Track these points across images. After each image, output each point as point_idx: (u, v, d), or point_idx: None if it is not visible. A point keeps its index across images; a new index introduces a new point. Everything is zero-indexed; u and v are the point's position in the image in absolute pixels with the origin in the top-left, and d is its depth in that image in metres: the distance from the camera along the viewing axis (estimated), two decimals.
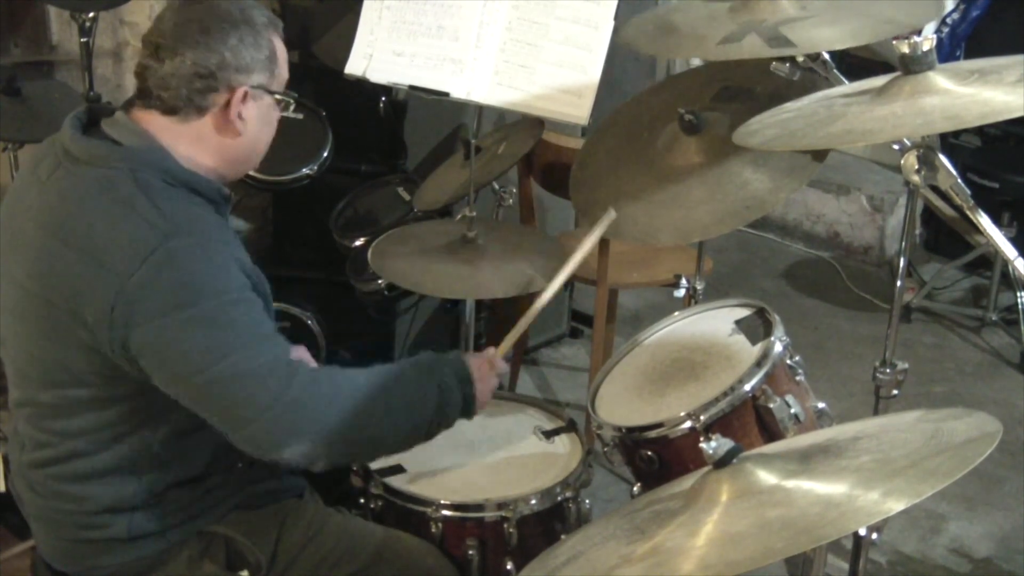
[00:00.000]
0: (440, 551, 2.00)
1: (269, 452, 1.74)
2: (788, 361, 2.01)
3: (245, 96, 1.80)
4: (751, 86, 2.29)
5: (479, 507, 2.01)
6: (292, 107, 1.90)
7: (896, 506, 1.22)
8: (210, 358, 1.69)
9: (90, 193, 1.74)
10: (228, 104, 1.80)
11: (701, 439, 1.76)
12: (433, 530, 2.00)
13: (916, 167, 1.81)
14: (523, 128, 2.92)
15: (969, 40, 4.37)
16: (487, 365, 2.00)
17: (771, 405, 1.92)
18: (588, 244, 2.15)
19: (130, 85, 3.67)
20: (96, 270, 1.69)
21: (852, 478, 1.31)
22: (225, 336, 1.70)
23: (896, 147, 1.89)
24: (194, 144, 1.81)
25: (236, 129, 1.82)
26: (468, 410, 1.94)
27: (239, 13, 1.80)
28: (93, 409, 1.79)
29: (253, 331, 1.73)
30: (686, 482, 1.47)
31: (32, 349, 1.81)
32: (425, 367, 1.92)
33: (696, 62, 3.69)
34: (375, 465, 2.11)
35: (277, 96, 1.87)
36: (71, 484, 1.85)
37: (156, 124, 1.80)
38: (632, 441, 1.98)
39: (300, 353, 2.21)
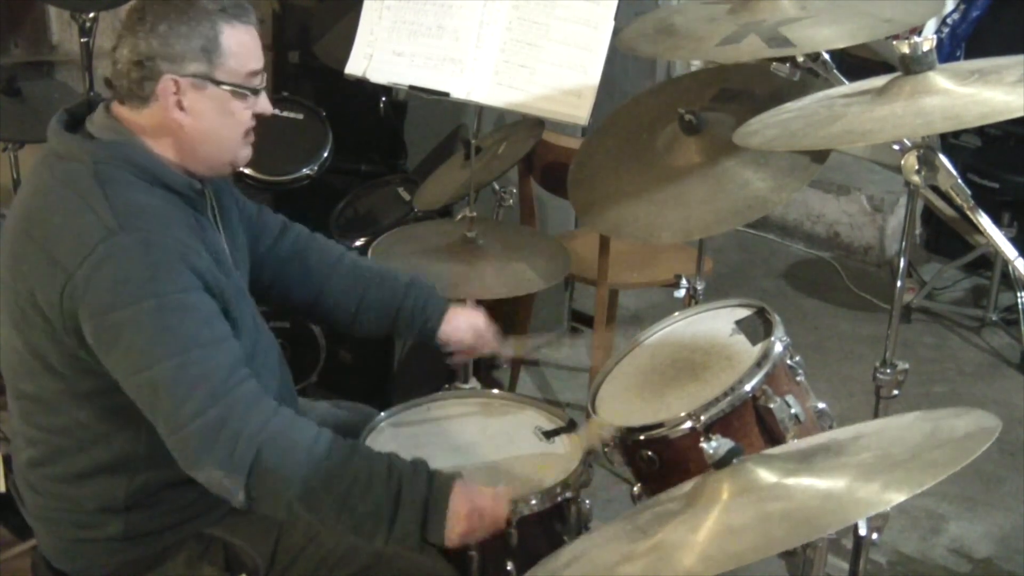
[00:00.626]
0: (440, 552, 2.00)
1: (186, 468, 1.71)
2: (788, 361, 2.01)
3: (178, 86, 1.77)
4: (751, 87, 2.29)
5: None
6: (258, 97, 1.84)
7: (897, 496, 1.22)
8: (143, 361, 1.67)
9: (55, 187, 1.76)
10: (170, 96, 1.78)
11: (701, 439, 1.76)
12: None
13: (916, 167, 1.81)
14: (523, 128, 2.93)
15: (969, 40, 4.37)
16: (476, 502, 1.78)
17: (771, 405, 1.91)
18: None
19: None
20: (48, 263, 1.71)
21: (852, 472, 1.31)
22: (159, 340, 1.67)
23: (896, 147, 1.89)
24: (153, 135, 1.80)
25: (177, 120, 1.79)
26: (425, 535, 1.75)
27: (181, 2, 1.77)
28: (71, 404, 1.79)
29: (190, 338, 1.68)
30: (687, 487, 1.47)
31: (12, 339, 1.82)
32: (398, 471, 1.75)
33: (696, 63, 3.69)
34: None
35: (226, 88, 1.80)
36: (65, 484, 1.86)
37: (121, 114, 1.81)
38: (632, 441, 1.97)
39: (472, 320, 2.21)
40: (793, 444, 1.63)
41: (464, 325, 2.20)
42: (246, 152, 1.90)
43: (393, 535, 1.75)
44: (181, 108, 1.78)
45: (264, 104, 1.87)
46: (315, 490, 1.71)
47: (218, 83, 1.80)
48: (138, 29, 1.76)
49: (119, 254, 1.68)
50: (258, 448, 1.68)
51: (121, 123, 1.80)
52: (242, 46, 1.82)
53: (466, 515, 1.77)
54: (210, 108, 1.81)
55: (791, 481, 1.34)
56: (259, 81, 1.85)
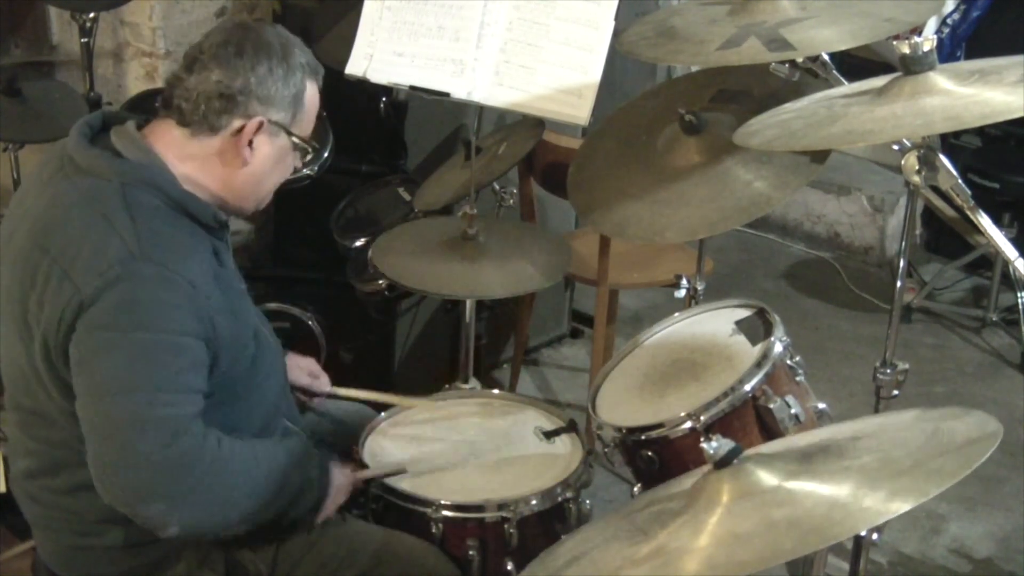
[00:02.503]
0: (440, 552, 2.00)
1: (127, 504, 1.70)
2: (788, 361, 2.01)
3: (260, 127, 1.79)
4: (749, 88, 2.29)
5: (479, 507, 2.01)
6: (309, 157, 1.90)
7: (903, 506, 1.22)
8: (116, 386, 1.67)
9: (77, 203, 1.74)
10: (241, 130, 1.79)
11: (701, 439, 1.76)
12: (433, 530, 2.00)
13: (917, 168, 1.81)
14: (523, 128, 2.93)
15: (970, 40, 4.37)
16: (347, 480, 2.00)
17: (771, 405, 1.92)
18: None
19: (131, 86, 3.67)
20: (61, 279, 1.69)
21: (856, 478, 1.31)
22: (140, 372, 1.67)
23: (896, 147, 1.89)
24: (199, 165, 1.80)
25: (243, 157, 1.81)
26: (314, 513, 1.93)
27: (279, 47, 1.80)
28: (68, 422, 1.78)
29: (169, 380, 1.68)
30: (686, 482, 1.47)
31: (14, 351, 1.81)
32: (297, 459, 1.88)
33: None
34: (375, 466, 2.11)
35: (296, 140, 1.85)
36: (63, 496, 1.85)
37: (168, 136, 1.79)
38: (632, 441, 1.98)
39: (308, 364, 2.22)
40: (792, 440, 1.63)
41: (300, 366, 2.23)
42: (269, 199, 1.94)
43: (298, 509, 1.89)
44: (250, 146, 1.80)
45: (302, 161, 1.92)
46: (253, 504, 1.79)
47: (290, 135, 1.84)
48: (233, 62, 1.76)
49: (133, 280, 1.67)
50: (208, 482, 1.71)
51: (153, 144, 1.79)
52: (314, 106, 1.88)
53: (337, 493, 1.97)
54: (271, 155, 1.83)
55: (793, 484, 1.33)
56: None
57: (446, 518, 2.00)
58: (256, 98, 1.78)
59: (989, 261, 4.26)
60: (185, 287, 1.70)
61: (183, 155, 1.79)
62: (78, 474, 1.81)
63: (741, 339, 2.09)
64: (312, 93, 1.86)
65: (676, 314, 2.26)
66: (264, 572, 1.91)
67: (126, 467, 1.68)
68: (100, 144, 1.79)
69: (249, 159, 1.81)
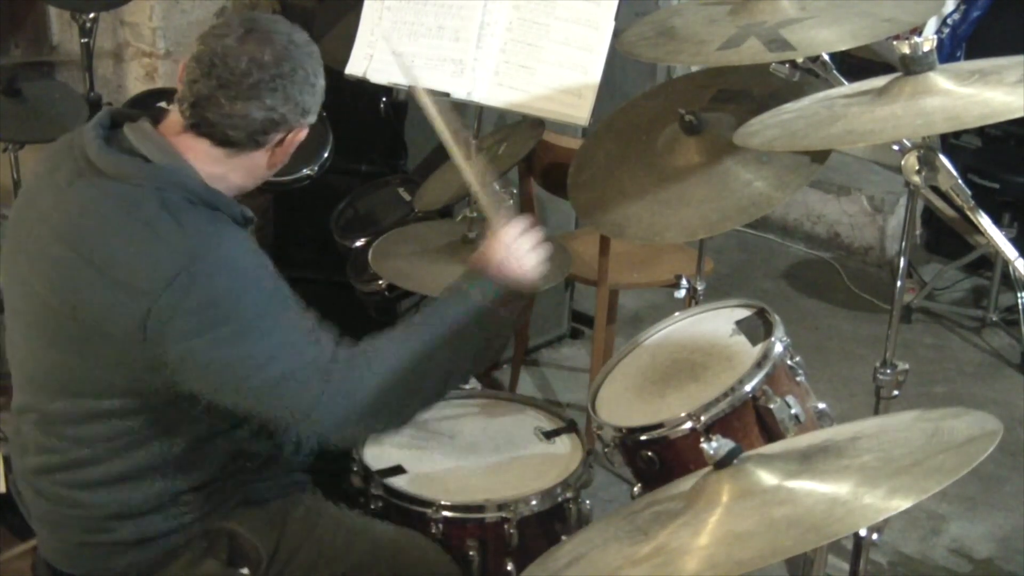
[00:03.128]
0: (439, 546, 2.00)
1: (337, 444, 1.83)
2: (788, 362, 2.01)
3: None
4: (749, 88, 2.29)
5: (480, 508, 2.01)
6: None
7: (903, 503, 1.22)
8: (252, 366, 1.71)
9: (113, 210, 1.73)
10: (283, 141, 1.82)
11: (701, 440, 1.76)
12: (434, 531, 2.00)
13: (917, 168, 1.81)
14: (523, 129, 2.92)
15: (970, 40, 4.37)
16: (499, 243, 1.94)
17: (771, 406, 1.92)
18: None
19: (131, 86, 3.67)
20: (120, 290, 1.69)
21: (855, 477, 1.31)
22: (263, 343, 1.71)
23: (896, 148, 1.89)
24: (231, 167, 1.81)
25: (276, 161, 1.85)
26: (515, 300, 1.91)
27: (303, 54, 1.80)
28: (113, 418, 1.79)
29: (290, 332, 1.75)
30: (686, 483, 1.47)
31: (48, 359, 1.80)
32: (451, 295, 1.90)
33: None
34: (375, 466, 2.11)
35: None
36: (78, 491, 1.85)
37: (198, 149, 1.78)
38: (632, 442, 1.98)
39: None
40: (791, 442, 1.63)
41: None
42: None
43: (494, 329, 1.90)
44: (286, 151, 1.84)
45: None
46: (445, 363, 1.84)
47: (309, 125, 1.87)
48: (279, 87, 1.76)
49: (203, 279, 1.68)
50: (386, 385, 1.77)
51: (174, 145, 1.78)
52: None
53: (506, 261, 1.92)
54: (294, 146, 1.86)
55: (793, 484, 1.33)
56: None
57: (446, 518, 2.01)
58: (300, 113, 1.81)
59: (989, 261, 4.26)
60: (249, 257, 1.76)
61: (213, 161, 1.79)
62: (99, 469, 1.82)
63: (741, 339, 2.09)
64: None
65: (676, 314, 2.26)
66: (266, 558, 1.91)
67: (311, 421, 1.76)
68: (116, 145, 1.78)
69: (282, 160, 1.86)
